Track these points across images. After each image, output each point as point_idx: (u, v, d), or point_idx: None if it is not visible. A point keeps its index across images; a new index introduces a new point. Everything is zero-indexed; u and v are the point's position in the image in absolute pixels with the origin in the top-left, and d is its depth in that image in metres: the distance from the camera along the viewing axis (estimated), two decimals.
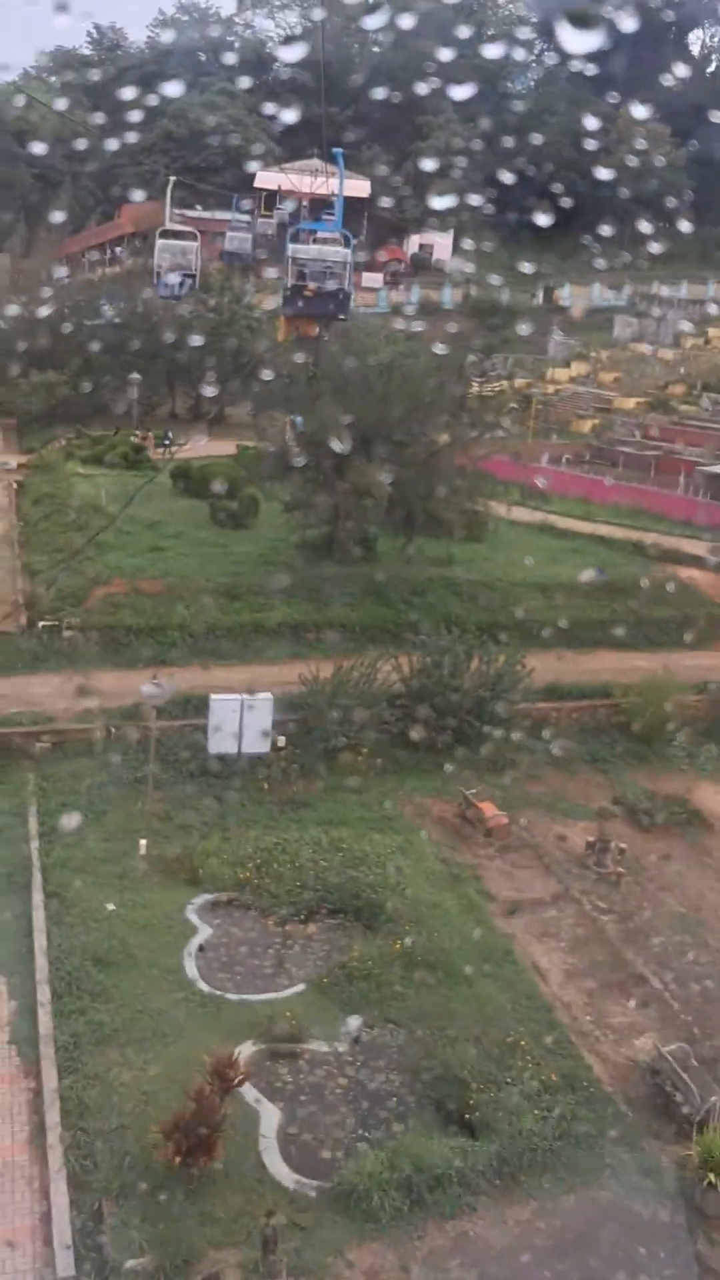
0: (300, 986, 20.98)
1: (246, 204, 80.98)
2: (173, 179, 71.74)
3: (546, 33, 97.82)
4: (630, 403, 66.63)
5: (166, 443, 54.16)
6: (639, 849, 26.85)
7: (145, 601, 33.12)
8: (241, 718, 28.04)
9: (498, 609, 34.86)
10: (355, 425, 34.54)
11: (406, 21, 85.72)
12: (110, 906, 21.94)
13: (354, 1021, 20.17)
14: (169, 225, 69.68)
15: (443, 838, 26.39)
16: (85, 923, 21.78)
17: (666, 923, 24.34)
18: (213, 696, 28.10)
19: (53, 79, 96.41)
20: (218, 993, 20.63)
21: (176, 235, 68.39)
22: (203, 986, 20.79)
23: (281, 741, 28.42)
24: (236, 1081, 17.00)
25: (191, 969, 21.22)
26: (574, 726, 31.78)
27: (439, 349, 45.08)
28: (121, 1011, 19.79)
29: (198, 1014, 20.07)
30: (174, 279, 64.67)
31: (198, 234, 67.73)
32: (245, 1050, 19.04)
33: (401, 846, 25.17)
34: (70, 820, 24.40)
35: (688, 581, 39.33)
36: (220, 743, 27.91)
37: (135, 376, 51.62)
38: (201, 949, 21.80)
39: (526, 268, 79.51)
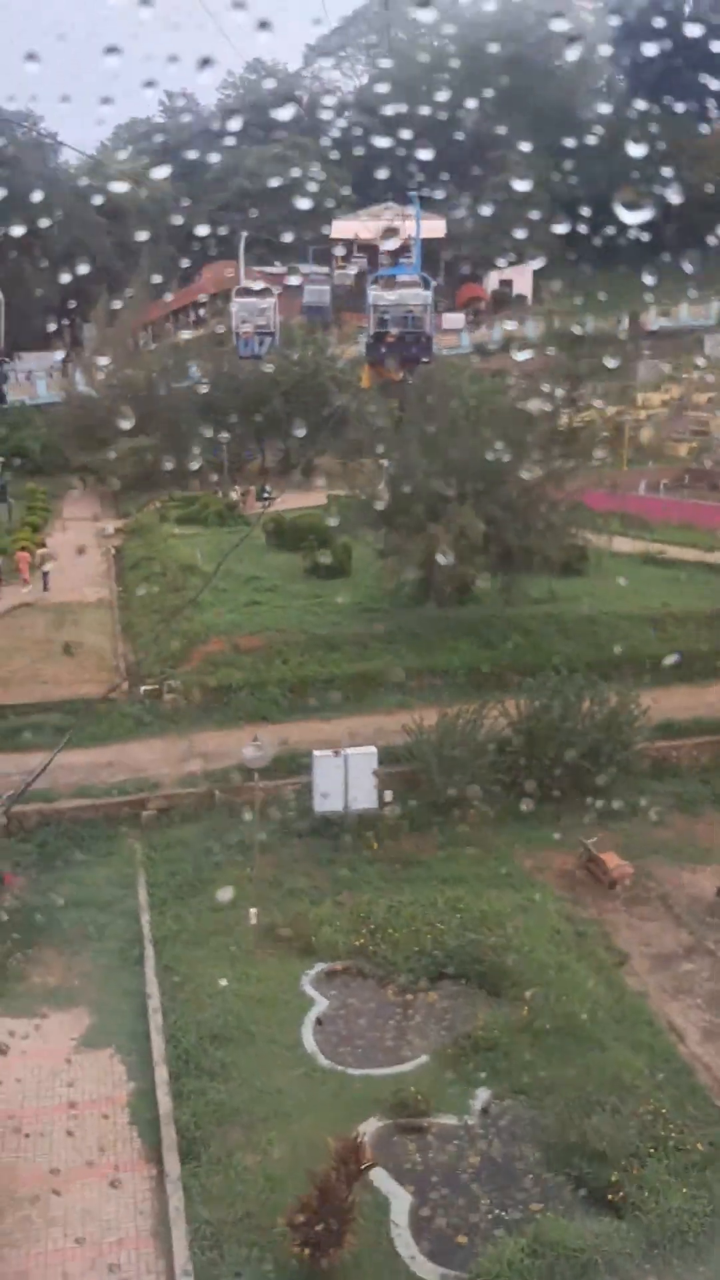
0: (423, 1058, 20.09)
1: (326, 255, 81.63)
2: (244, 235, 72.43)
3: (618, 56, 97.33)
4: None
5: (266, 496, 54.46)
6: None
7: (244, 658, 32.83)
8: (346, 773, 27.40)
9: (606, 644, 33.69)
10: (445, 467, 33.99)
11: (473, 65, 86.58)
12: (223, 983, 21.34)
13: (482, 1094, 19.21)
14: (244, 284, 70.29)
15: (565, 892, 25.31)
16: (199, 998, 21.23)
17: None
18: (315, 753, 27.54)
19: (128, 150, 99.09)
20: (339, 1067, 19.86)
21: (253, 293, 68.91)
22: (323, 1061, 20.05)
23: (389, 796, 27.67)
24: (364, 1168, 16.17)
25: (310, 1043, 20.51)
26: (696, 766, 30.46)
27: (525, 383, 44.47)
28: (241, 1090, 19.15)
29: (319, 1090, 19.32)
30: (254, 338, 65.14)
31: (274, 291, 68.12)
32: (370, 1127, 18.25)
33: (522, 904, 24.14)
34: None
35: None
36: (326, 801, 27.30)
37: (224, 436, 51.97)
38: (319, 1022, 21.07)
39: (609, 294, 78.64)
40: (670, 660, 31.66)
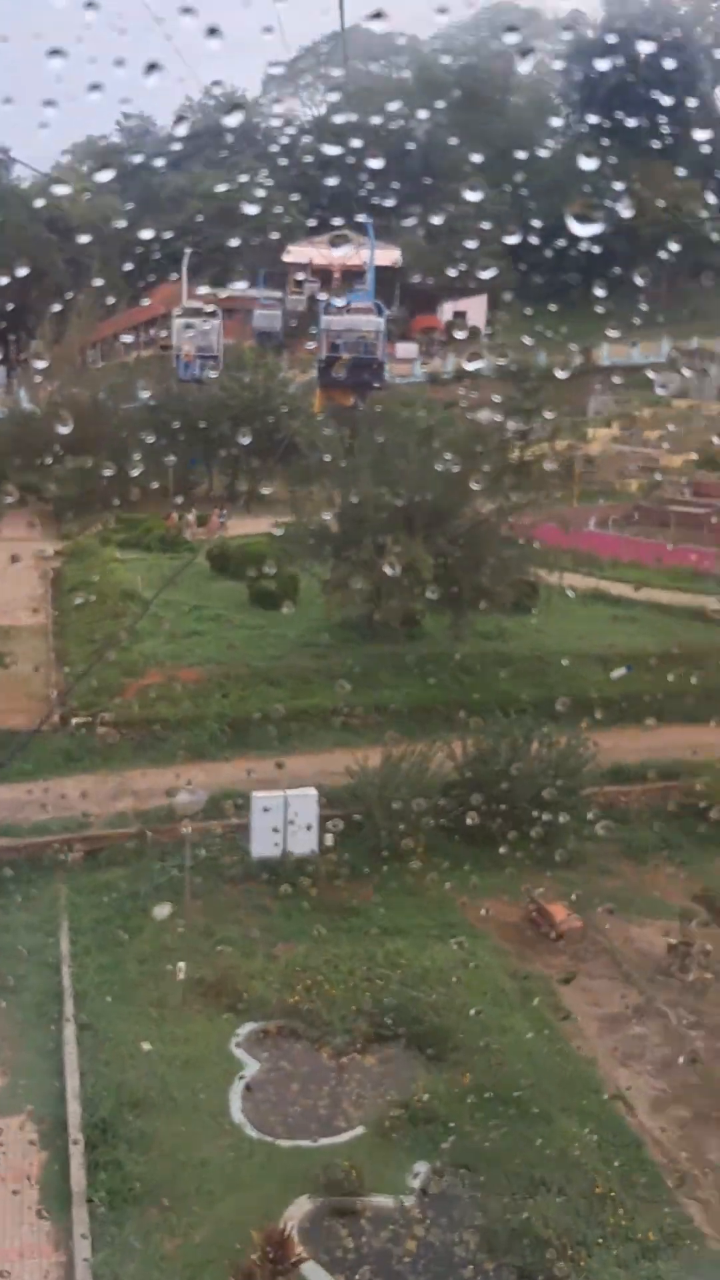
0: (359, 1129, 18.83)
1: (279, 279, 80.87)
2: (189, 251, 70.63)
3: (573, 96, 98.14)
4: (677, 460, 64.82)
5: (224, 519, 53.24)
6: None
7: (183, 691, 31.50)
8: (285, 816, 26.16)
9: (555, 684, 32.76)
10: (395, 498, 33.04)
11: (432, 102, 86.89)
12: (146, 1046, 19.92)
13: (421, 1169, 17.97)
14: (187, 303, 68.28)
15: (511, 945, 24.21)
16: (121, 1059, 19.82)
17: None
18: (254, 795, 26.28)
19: (83, 167, 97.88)
20: (268, 1138, 18.54)
21: (196, 314, 66.74)
22: (251, 1132, 18.72)
23: (330, 840, 26.42)
24: (293, 1262, 14.86)
25: (238, 1111, 19.17)
26: (646, 812, 29.59)
27: (478, 415, 43.83)
28: (162, 1163, 17.77)
29: (246, 1164, 17.99)
30: (195, 361, 63.19)
31: (219, 311, 66.33)
32: (300, 1209, 16.94)
33: (465, 958, 22.97)
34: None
35: None
36: (263, 844, 26.01)
37: (170, 459, 50.65)
38: (248, 1087, 19.72)
39: (564, 329, 78.67)
40: (618, 673, 30.91)
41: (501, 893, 25.83)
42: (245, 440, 55.52)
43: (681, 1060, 20.61)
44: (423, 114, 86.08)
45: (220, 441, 56.60)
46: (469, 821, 26.57)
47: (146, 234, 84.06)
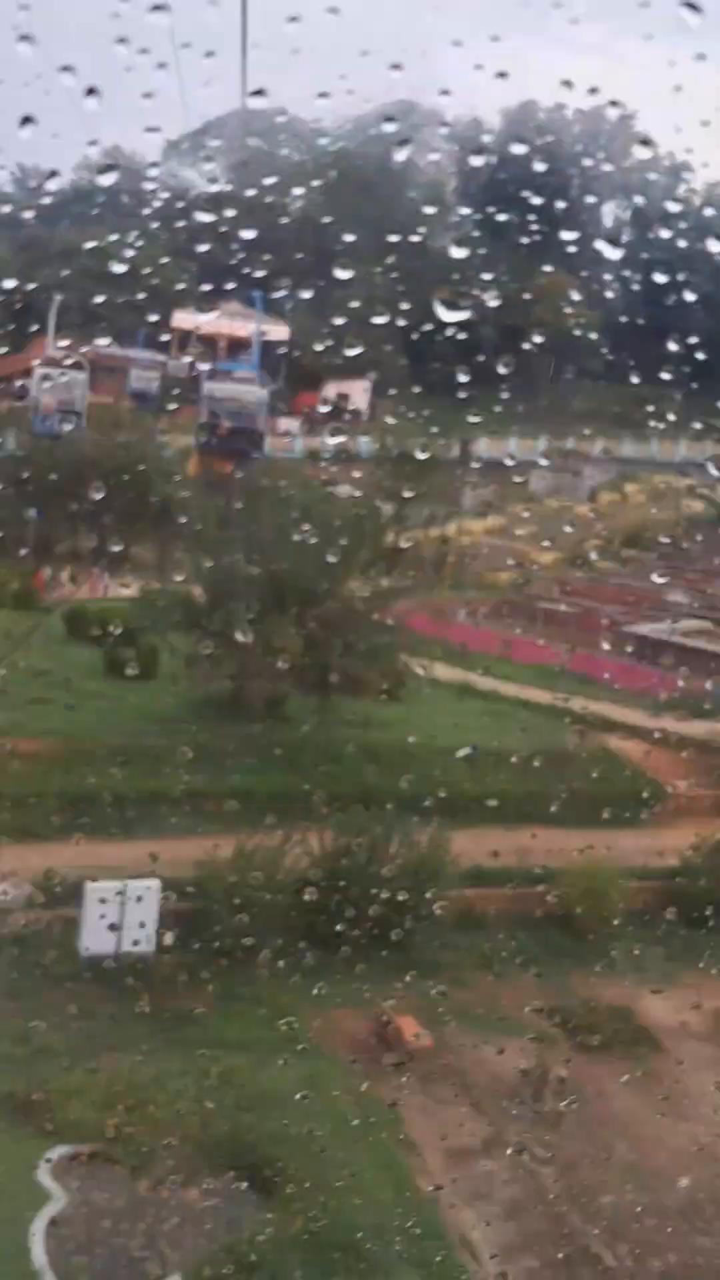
0: (175, 1277, 16.62)
1: (161, 342, 79.42)
2: (58, 298, 66.89)
3: (470, 199, 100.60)
4: (548, 557, 65.27)
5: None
6: (581, 1074, 23.06)
7: (20, 765, 29.02)
8: (123, 909, 23.96)
9: (419, 779, 31.41)
10: (265, 573, 31.65)
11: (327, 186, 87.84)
12: None
13: None
14: (51, 353, 64.54)
15: (356, 1064, 22.31)
16: None
17: (616, 1175, 20.49)
18: (88, 884, 24.01)
19: None
20: None
21: (57, 365, 63.19)
22: (51, 1278, 16.32)
23: (170, 939, 24.28)
24: None
25: (40, 1252, 16.75)
26: (504, 919, 28.24)
27: (354, 495, 42.98)
28: None
29: None
30: (55, 415, 59.70)
31: (85, 364, 63.27)
32: None
33: (307, 1078, 20.98)
34: None
35: (618, 752, 36.53)
36: (95, 940, 23.71)
37: (30, 513, 48.23)
38: (54, 1223, 17.32)
39: (442, 419, 79.35)
40: (464, 752, 29.84)
41: (350, 1003, 24.00)
42: (115, 501, 53.67)
43: (532, 1202, 19.03)
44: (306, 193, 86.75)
45: (86, 500, 54.48)
46: (321, 924, 24.96)
47: (32, 293, 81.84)
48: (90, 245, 79.26)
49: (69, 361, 60.80)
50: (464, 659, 43.56)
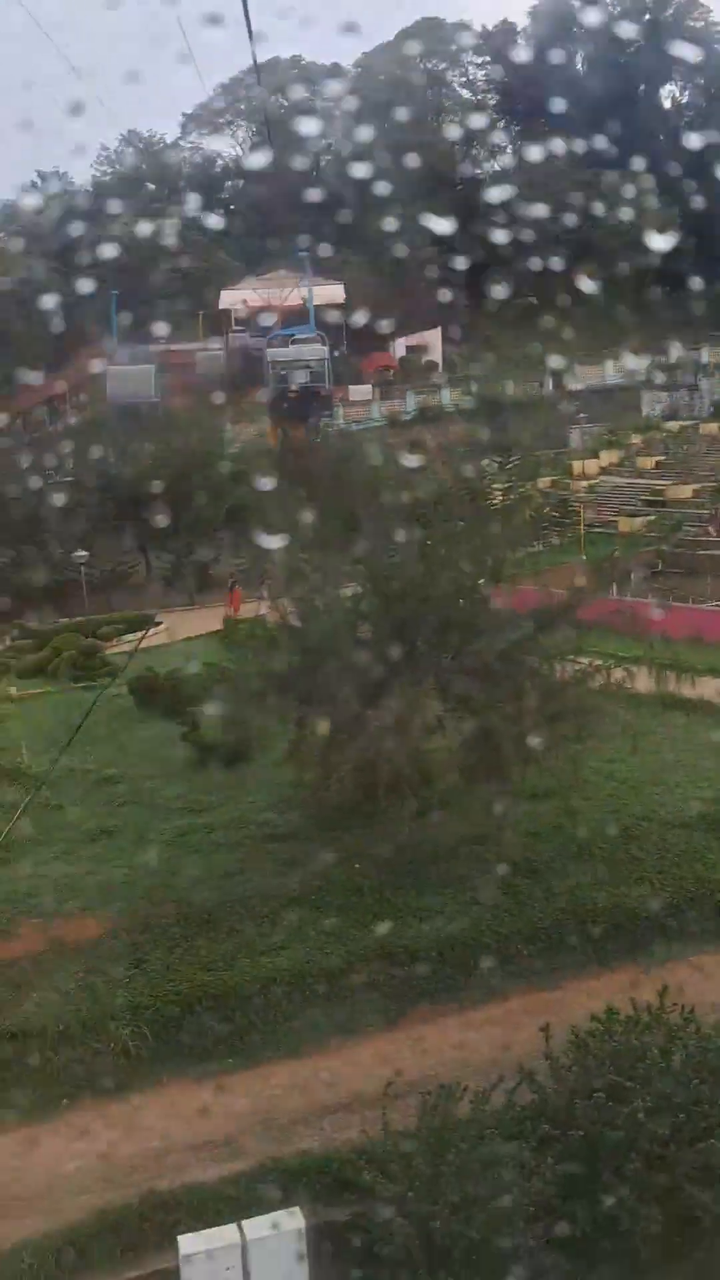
0: None
1: (216, 325, 69.15)
2: (115, 294, 60.19)
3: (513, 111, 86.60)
4: (686, 490, 52.07)
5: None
6: None
7: (70, 965, 17.99)
8: (245, 1266, 12.83)
9: (668, 871, 19.61)
10: (388, 611, 20.06)
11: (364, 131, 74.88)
12: None
13: None
14: (119, 351, 58.82)
15: None
16: None
17: None
18: (182, 1245, 12.86)
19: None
20: None
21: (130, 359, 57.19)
22: None
23: None
24: None
25: None
26: None
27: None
28: None
29: None
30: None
31: (155, 356, 56.47)
32: None
33: None
34: None
35: None
36: None
37: (80, 555, 37.43)
38: None
39: (524, 355, 66.72)
40: None
41: None
42: (185, 514, 42.77)
43: None
44: (361, 134, 74.04)
45: (152, 517, 43.35)
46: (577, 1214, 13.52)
47: (68, 301, 71.06)
48: (130, 234, 69.16)
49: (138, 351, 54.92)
50: (639, 646, 31.05)
